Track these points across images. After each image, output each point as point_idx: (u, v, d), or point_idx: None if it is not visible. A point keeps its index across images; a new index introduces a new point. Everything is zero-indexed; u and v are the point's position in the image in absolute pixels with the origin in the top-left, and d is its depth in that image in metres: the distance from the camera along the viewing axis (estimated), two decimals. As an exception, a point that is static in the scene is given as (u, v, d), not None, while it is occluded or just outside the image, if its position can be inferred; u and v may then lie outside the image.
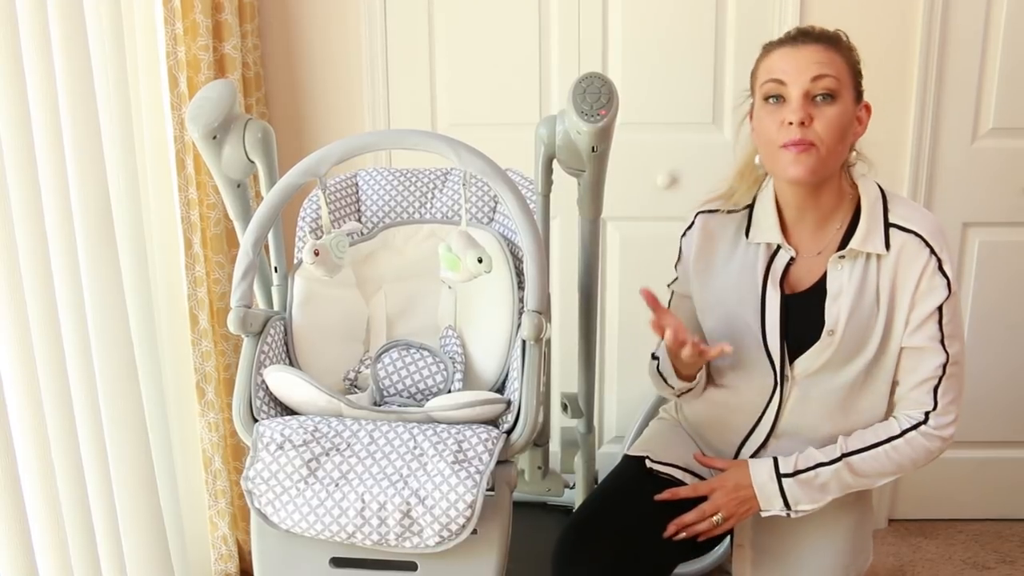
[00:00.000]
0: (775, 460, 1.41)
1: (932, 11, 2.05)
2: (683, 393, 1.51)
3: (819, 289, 1.39)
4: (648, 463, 1.50)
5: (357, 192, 1.59)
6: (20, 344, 1.27)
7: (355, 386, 1.45)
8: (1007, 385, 2.29)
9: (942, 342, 1.34)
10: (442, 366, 1.44)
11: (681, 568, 1.51)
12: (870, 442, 1.38)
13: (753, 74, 1.39)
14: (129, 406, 1.56)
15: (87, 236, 1.46)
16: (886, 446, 1.37)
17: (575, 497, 2.00)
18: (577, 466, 1.95)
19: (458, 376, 1.44)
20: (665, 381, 1.49)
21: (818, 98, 1.30)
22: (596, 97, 1.50)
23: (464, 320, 1.52)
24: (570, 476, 2.03)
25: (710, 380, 1.51)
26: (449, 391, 1.43)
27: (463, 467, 1.16)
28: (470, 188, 1.56)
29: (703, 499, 1.42)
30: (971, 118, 2.12)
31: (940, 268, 1.32)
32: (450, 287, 1.53)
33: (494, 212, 1.57)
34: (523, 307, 1.26)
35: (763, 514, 1.42)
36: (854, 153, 1.40)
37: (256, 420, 1.26)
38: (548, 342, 1.43)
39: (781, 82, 1.31)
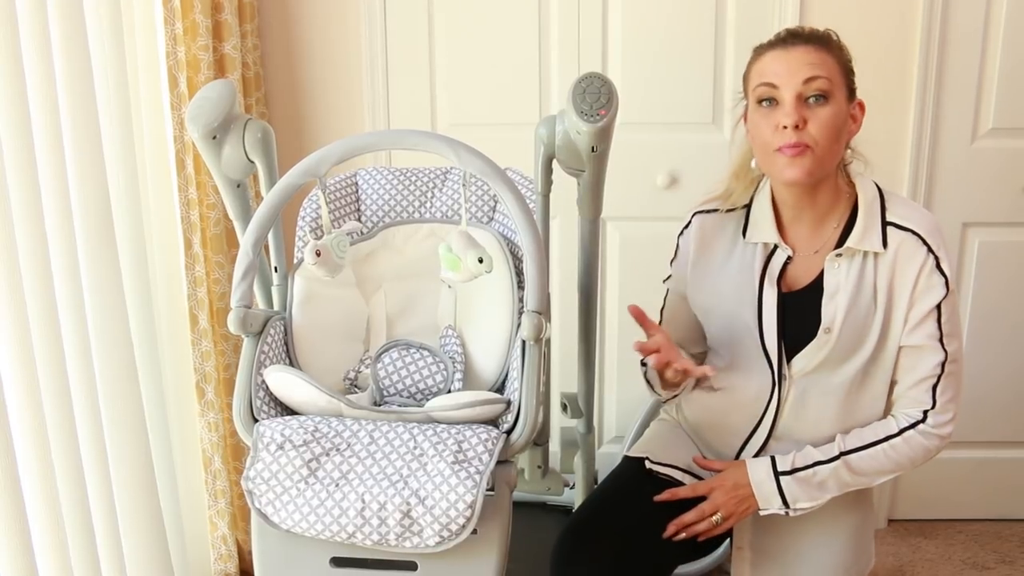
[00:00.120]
0: (773, 459, 1.41)
1: (932, 11, 2.05)
2: (670, 399, 1.55)
3: (816, 287, 1.39)
4: (648, 464, 1.50)
5: (357, 192, 1.59)
6: (20, 344, 1.27)
7: (355, 386, 1.45)
8: (1007, 385, 2.28)
9: (940, 340, 1.34)
10: (442, 366, 1.44)
11: (681, 568, 1.51)
12: (868, 440, 1.38)
13: (745, 77, 1.39)
14: (129, 406, 1.56)
15: (87, 236, 1.46)
16: (884, 445, 1.37)
17: (575, 497, 2.00)
18: (577, 466, 1.95)
19: (458, 376, 1.44)
20: (652, 388, 1.53)
21: (811, 100, 1.30)
22: (596, 97, 1.50)
23: (464, 320, 1.52)
24: (570, 476, 2.03)
25: (709, 382, 1.51)
26: (449, 391, 1.43)
27: (463, 467, 1.16)
28: (470, 188, 1.56)
29: (703, 499, 1.43)
30: (971, 118, 2.12)
31: (938, 266, 1.33)
32: (450, 287, 1.53)
33: (494, 212, 1.57)
34: (523, 307, 1.26)
35: (762, 513, 1.41)
36: (850, 151, 1.41)
37: (256, 420, 1.26)
38: (548, 342, 1.43)
39: (773, 85, 1.31)
